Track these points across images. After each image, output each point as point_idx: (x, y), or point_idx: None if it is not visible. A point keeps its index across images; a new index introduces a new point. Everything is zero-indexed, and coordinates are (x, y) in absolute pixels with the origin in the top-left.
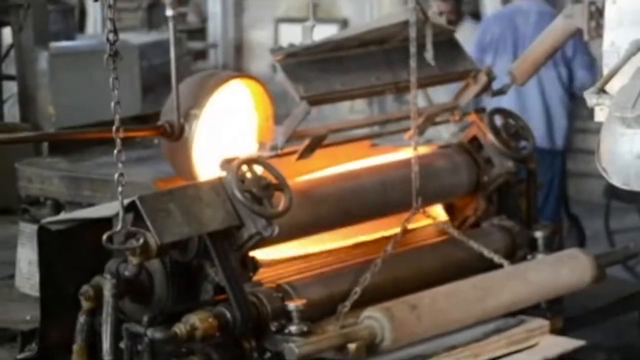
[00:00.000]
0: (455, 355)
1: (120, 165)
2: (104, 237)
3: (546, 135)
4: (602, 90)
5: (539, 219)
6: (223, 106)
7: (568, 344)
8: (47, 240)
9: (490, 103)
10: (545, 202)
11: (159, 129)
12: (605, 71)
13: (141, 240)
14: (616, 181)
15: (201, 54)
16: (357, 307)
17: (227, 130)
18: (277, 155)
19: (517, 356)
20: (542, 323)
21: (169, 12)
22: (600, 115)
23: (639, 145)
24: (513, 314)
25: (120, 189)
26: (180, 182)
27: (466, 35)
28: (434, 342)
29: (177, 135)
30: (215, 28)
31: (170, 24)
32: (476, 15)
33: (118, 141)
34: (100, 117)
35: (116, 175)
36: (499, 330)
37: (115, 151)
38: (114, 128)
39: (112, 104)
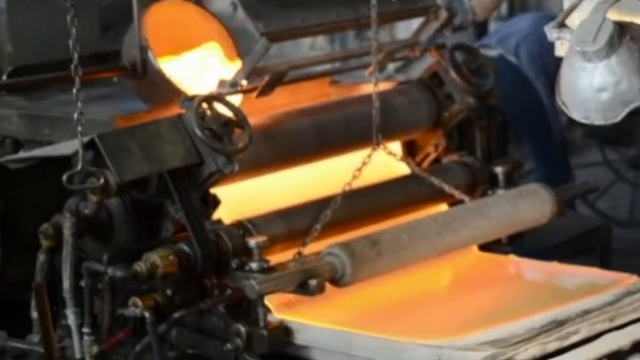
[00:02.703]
0: (590, 319)
1: (79, 104)
2: (64, 177)
3: None
4: (562, 25)
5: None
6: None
7: None
8: (6, 179)
9: None
10: None
11: (121, 69)
12: (566, 5)
13: (101, 180)
14: (576, 115)
15: None
16: (318, 243)
17: (191, 62)
18: (238, 92)
19: None
20: None
21: None
22: (560, 50)
23: (599, 79)
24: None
25: (80, 128)
26: (140, 119)
27: None
28: (565, 307)
29: (140, 73)
30: None
31: None
32: None
33: (77, 80)
34: (59, 54)
35: (76, 115)
36: (630, 293)
37: (75, 90)
38: (72, 67)
39: (71, 41)
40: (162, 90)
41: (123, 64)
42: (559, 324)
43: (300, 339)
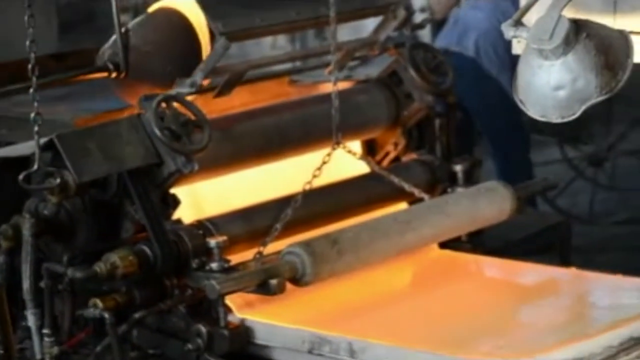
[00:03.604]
0: None
1: (35, 104)
2: (20, 176)
3: None
4: (519, 23)
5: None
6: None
7: None
8: None
9: None
10: None
11: (103, 69)
12: (523, 3)
13: (58, 180)
14: (533, 113)
15: None
16: (279, 242)
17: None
18: (197, 92)
19: None
20: None
21: None
22: (517, 48)
23: (556, 76)
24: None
25: (36, 128)
26: (99, 120)
27: None
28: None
29: (123, 69)
30: None
31: None
32: None
33: (34, 80)
34: (15, 53)
35: (32, 115)
36: None
37: (31, 90)
38: (30, 68)
39: (27, 42)
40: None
41: (105, 63)
42: (637, 341)
43: (260, 338)
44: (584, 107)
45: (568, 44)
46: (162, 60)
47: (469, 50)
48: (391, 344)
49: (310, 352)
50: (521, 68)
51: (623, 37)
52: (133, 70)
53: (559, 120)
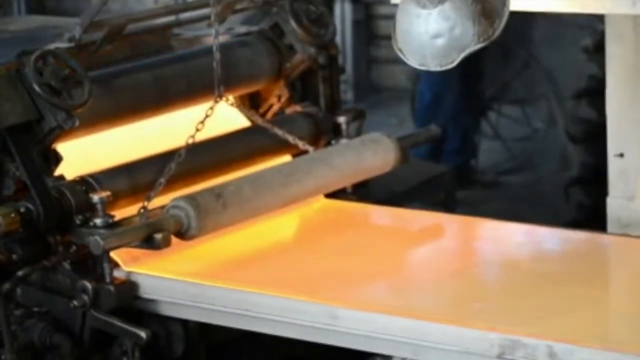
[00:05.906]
0: None
1: None
2: None
3: None
4: None
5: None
6: None
7: None
8: None
9: None
10: None
11: None
12: None
13: None
14: (413, 62)
15: None
16: (164, 197)
17: None
18: (76, 47)
19: None
20: None
21: None
22: None
23: (434, 25)
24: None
25: None
26: None
27: None
28: None
29: None
30: None
31: None
32: None
33: None
34: None
35: None
36: None
37: None
38: None
39: None
40: None
41: None
42: None
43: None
44: (462, 56)
45: None
46: None
47: None
48: (593, 346)
49: (500, 357)
50: (399, 17)
51: None
52: None
53: (437, 69)
